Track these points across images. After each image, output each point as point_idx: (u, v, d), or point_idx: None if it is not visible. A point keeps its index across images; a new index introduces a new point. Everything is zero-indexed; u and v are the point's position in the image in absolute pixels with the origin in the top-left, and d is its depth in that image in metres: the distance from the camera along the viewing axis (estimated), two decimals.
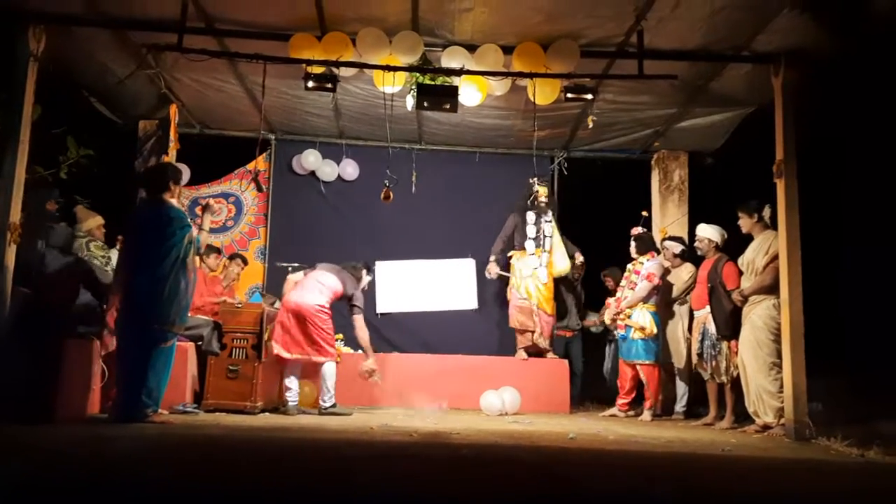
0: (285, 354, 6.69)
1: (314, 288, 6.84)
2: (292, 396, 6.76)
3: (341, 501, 2.92)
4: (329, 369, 6.76)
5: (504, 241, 8.57)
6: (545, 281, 8.36)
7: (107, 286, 6.11)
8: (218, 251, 8.07)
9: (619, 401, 7.63)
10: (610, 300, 8.05)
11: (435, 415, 6.95)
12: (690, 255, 7.80)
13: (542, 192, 8.55)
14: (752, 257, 6.49)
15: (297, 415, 6.61)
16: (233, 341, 6.58)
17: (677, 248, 7.77)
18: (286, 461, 3.87)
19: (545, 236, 8.46)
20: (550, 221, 8.49)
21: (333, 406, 6.72)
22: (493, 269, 8.58)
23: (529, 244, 8.38)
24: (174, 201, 5.79)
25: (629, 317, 7.39)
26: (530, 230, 8.44)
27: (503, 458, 4.31)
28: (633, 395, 7.62)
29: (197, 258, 5.89)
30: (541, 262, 8.40)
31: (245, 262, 8.28)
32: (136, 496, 2.83)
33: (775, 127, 6.37)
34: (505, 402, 7.20)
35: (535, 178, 7.46)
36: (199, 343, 6.65)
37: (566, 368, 8.24)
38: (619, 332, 7.56)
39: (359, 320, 6.95)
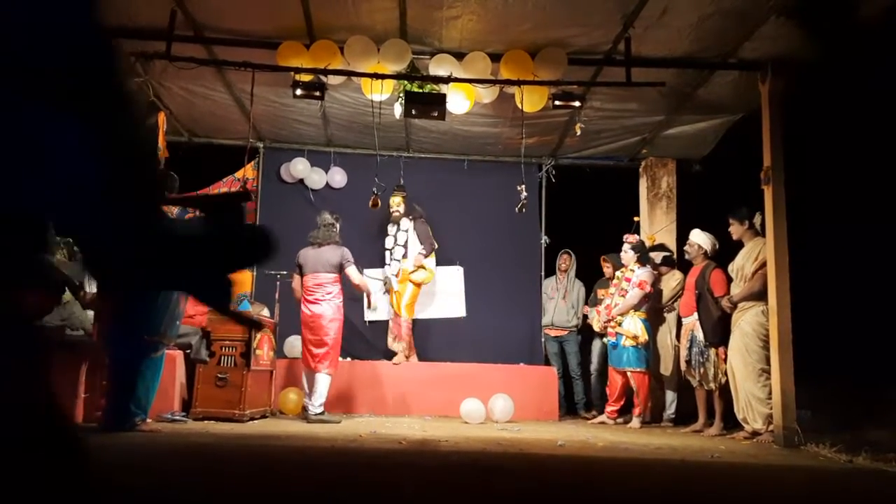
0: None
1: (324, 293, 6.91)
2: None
3: None
4: (324, 376, 6.77)
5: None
6: (397, 289, 8.39)
7: (76, 284, 6.13)
8: None
9: (609, 408, 7.64)
10: (588, 309, 8.09)
11: (422, 422, 6.94)
12: (679, 261, 7.83)
13: (393, 202, 8.53)
14: (742, 264, 6.52)
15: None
16: (221, 349, 6.56)
17: (658, 257, 7.82)
18: (276, 469, 3.86)
19: (396, 245, 8.52)
20: (406, 230, 8.50)
21: (322, 413, 6.70)
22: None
23: (387, 255, 8.59)
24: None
25: (620, 324, 7.40)
26: (388, 241, 8.59)
27: (491, 466, 4.30)
28: (623, 402, 7.62)
29: None
30: (391, 272, 8.51)
31: None
32: None
33: (762, 134, 6.42)
34: (496, 410, 7.20)
35: (522, 185, 7.45)
36: (188, 351, 6.62)
37: (555, 376, 8.27)
38: (610, 340, 7.56)
39: (353, 273, 6.98)
